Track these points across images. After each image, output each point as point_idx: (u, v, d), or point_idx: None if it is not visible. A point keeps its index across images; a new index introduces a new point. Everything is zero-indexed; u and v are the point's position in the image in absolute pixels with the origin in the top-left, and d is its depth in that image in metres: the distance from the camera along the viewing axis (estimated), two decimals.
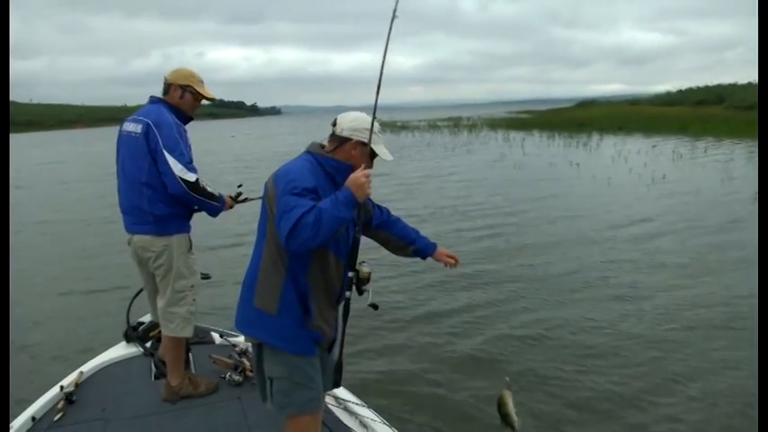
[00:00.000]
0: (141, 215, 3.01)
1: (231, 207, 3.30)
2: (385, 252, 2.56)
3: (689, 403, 3.95)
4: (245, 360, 3.32)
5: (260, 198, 2.19)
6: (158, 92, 3.16)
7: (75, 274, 7.78)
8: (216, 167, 18.90)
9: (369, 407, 2.95)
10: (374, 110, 2.13)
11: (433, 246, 2.52)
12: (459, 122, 47.52)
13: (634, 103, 50.88)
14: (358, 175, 2.01)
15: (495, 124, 43.25)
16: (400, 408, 3.90)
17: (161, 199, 2.97)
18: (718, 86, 43.30)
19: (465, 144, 28.36)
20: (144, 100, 3.20)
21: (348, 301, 2.18)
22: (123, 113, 4.25)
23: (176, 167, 2.90)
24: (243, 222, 8.81)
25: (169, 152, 2.90)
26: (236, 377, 3.24)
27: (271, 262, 2.11)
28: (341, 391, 2.96)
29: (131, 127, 3.03)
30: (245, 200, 3.42)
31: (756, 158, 14.22)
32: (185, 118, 3.12)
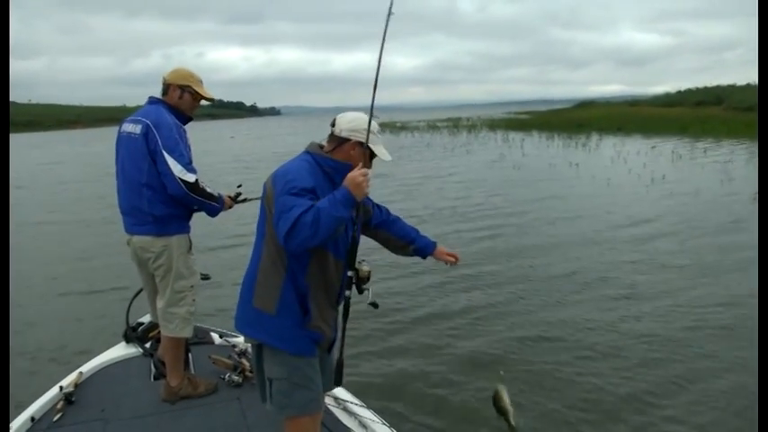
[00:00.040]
0: (141, 216, 3.01)
1: (230, 207, 3.30)
2: (385, 253, 2.56)
3: (689, 404, 3.94)
4: (244, 361, 3.32)
5: (259, 198, 2.19)
6: (158, 92, 3.15)
7: (75, 275, 7.77)
8: (215, 168, 18.87)
9: (368, 407, 2.95)
10: (371, 110, 2.12)
11: (433, 244, 2.52)
12: (458, 123, 47.56)
13: (633, 103, 50.91)
14: (356, 174, 2.00)
15: (494, 125, 43.23)
16: (400, 408, 3.90)
17: (161, 200, 2.97)
18: (718, 87, 43.36)
19: (464, 145, 28.33)
20: (143, 100, 3.19)
21: (348, 300, 2.17)
22: (122, 114, 4.25)
23: (176, 168, 2.90)
24: (242, 223, 8.82)
25: (169, 153, 2.90)
26: (236, 378, 3.23)
27: (270, 262, 2.11)
28: (340, 392, 2.96)
29: (130, 128, 3.03)
30: (245, 200, 3.43)
31: (756, 159, 14.24)
32: (184, 118, 3.12)
